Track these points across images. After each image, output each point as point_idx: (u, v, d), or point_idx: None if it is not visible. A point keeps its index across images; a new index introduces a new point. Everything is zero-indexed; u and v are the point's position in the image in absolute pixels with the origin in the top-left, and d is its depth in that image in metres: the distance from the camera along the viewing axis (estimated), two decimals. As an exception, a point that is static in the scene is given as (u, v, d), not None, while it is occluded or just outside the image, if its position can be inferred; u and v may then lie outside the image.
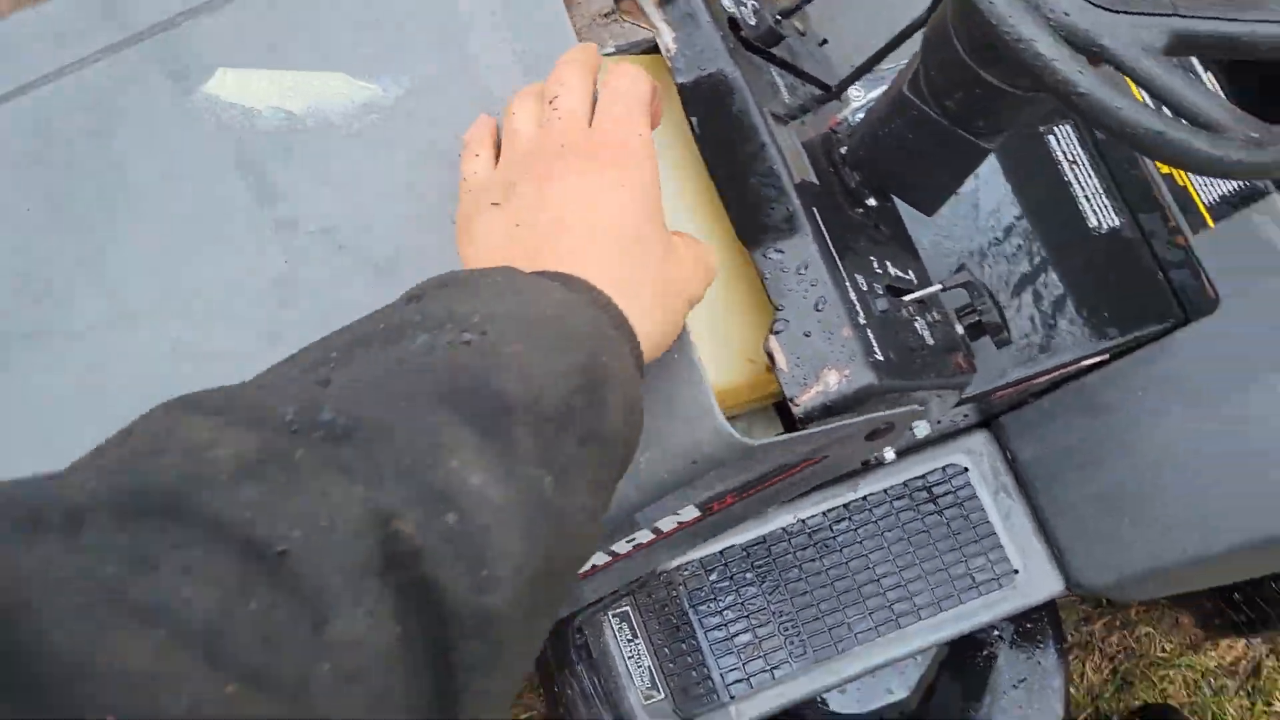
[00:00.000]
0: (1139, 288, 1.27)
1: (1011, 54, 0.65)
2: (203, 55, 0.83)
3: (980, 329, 1.12)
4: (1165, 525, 1.27)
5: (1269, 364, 1.17)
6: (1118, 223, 1.30)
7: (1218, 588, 1.60)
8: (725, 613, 1.36)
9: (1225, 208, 1.23)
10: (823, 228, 0.90)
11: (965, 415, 1.38)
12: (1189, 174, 1.26)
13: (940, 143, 0.95)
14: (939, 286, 1.05)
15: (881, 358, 0.87)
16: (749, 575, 1.38)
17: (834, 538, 1.41)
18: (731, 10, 0.90)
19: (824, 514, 1.41)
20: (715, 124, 0.85)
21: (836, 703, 1.51)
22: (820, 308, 0.86)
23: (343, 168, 0.77)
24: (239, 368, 0.51)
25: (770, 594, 1.36)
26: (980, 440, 1.46)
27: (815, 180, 0.95)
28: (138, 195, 0.81)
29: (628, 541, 0.92)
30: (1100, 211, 1.31)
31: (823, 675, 1.34)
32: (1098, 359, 1.27)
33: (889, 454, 1.19)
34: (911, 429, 1.11)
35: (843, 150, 1.03)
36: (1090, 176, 1.32)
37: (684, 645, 1.32)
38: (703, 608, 1.35)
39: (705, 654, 1.33)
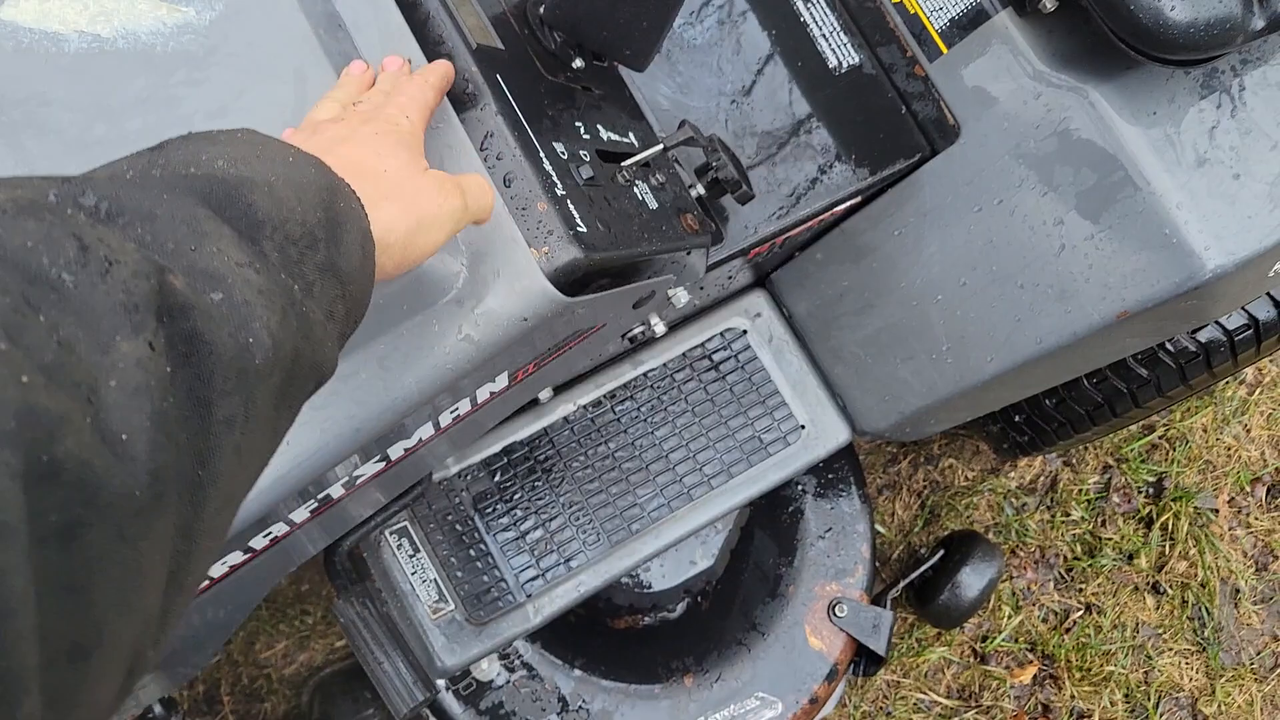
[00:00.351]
0: (885, 125, 1.25)
1: None
2: None
3: (720, 187, 1.08)
4: (933, 360, 1.28)
5: (1007, 185, 1.16)
6: (857, 60, 1.26)
7: (1002, 412, 1.64)
8: (514, 512, 1.31)
9: (955, 32, 1.21)
10: (509, 95, 0.83)
11: (732, 277, 1.35)
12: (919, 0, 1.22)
13: None
14: (659, 147, 0.99)
15: (585, 229, 0.81)
16: (534, 470, 1.33)
17: (617, 419, 1.37)
18: None
19: (605, 397, 1.37)
20: None
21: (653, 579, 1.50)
22: (509, 183, 0.79)
23: (161, 89, 0.78)
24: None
25: (557, 486, 1.32)
26: (757, 300, 1.44)
27: (500, 45, 0.87)
28: None
29: (450, 414, 0.89)
30: (839, 49, 1.26)
31: (620, 559, 1.32)
32: (852, 201, 1.25)
33: (658, 326, 1.15)
34: (670, 298, 1.06)
35: (540, 11, 0.95)
36: (827, 14, 1.28)
37: (471, 552, 1.27)
38: (488, 510, 1.30)
39: (495, 556, 1.28)
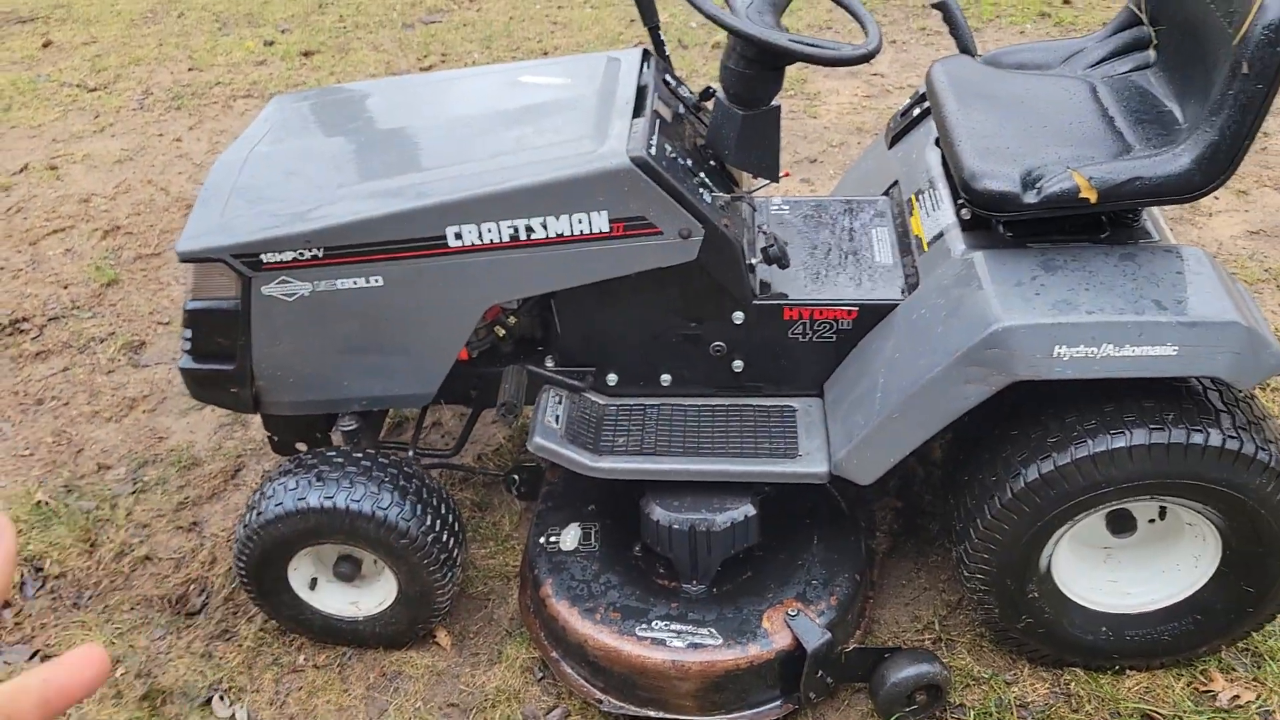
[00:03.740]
0: (882, 283, 2.22)
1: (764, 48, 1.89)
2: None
3: (768, 254, 2.15)
4: (865, 409, 2.08)
5: (923, 325, 2.04)
6: (891, 260, 2.28)
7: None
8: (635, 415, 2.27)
9: (937, 241, 2.18)
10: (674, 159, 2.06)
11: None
12: (919, 221, 2.23)
13: (748, 123, 2.09)
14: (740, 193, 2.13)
15: (654, 154, 1.97)
16: (644, 422, 2.29)
17: (709, 422, 2.29)
18: None
19: (702, 406, 2.32)
20: None
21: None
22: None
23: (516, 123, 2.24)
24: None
25: (670, 429, 2.26)
26: (812, 399, 2.33)
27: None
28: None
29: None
30: (881, 253, 2.30)
31: (671, 464, 2.18)
32: (846, 308, 2.18)
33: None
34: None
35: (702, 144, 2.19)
36: (885, 240, 2.34)
37: (589, 414, 2.25)
38: (612, 414, 2.28)
39: (601, 421, 2.23)
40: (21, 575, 2.67)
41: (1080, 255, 1.98)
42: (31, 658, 2.46)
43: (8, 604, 2.59)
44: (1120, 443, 1.89)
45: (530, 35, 5.90)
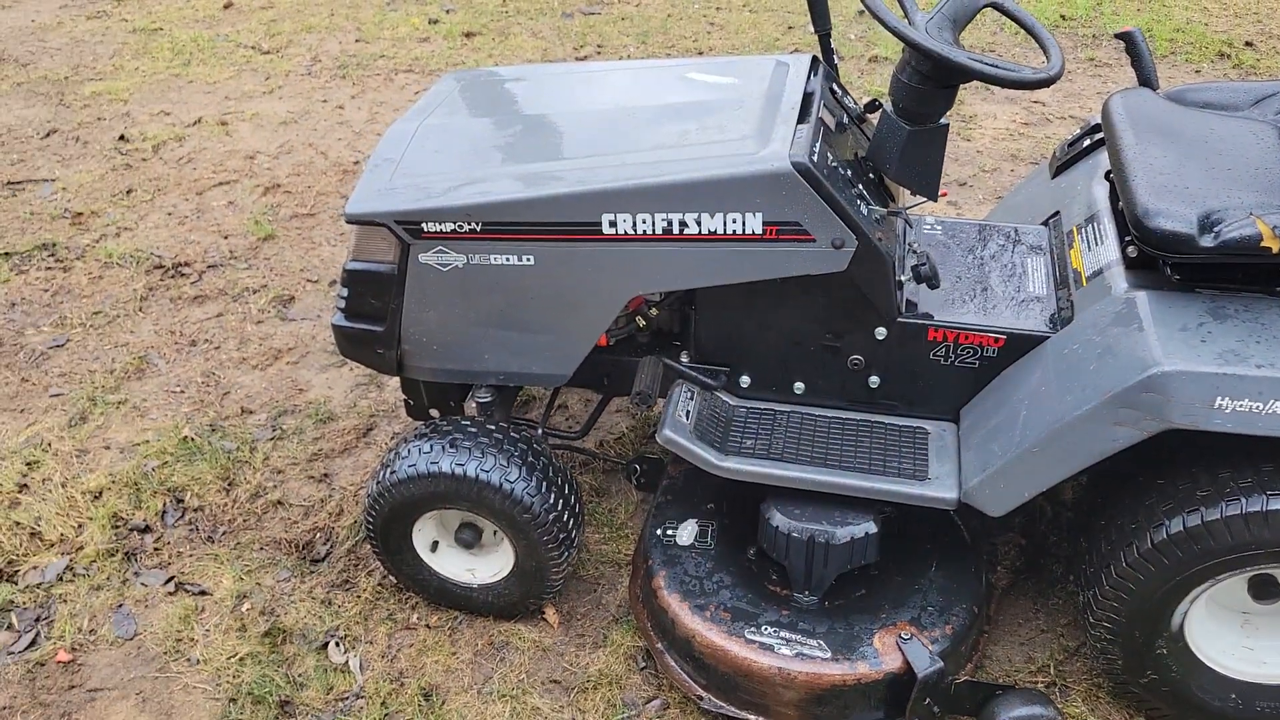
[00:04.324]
0: (1035, 314, 2.17)
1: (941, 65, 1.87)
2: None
3: (918, 272, 2.13)
4: (1003, 439, 2.03)
5: (1074, 360, 1.98)
6: (1044, 292, 2.23)
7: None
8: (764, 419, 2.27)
9: (1097, 276, 2.11)
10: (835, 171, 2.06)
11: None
12: (1079, 255, 2.17)
13: (914, 138, 2.07)
14: (896, 208, 2.11)
15: (815, 161, 1.96)
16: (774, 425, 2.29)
17: (839, 435, 2.27)
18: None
19: (833, 418, 2.30)
20: None
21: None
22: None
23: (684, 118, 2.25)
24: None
25: (799, 437, 2.25)
26: (946, 424, 2.28)
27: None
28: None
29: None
30: (1038, 284, 2.25)
31: (797, 472, 2.17)
32: (993, 335, 2.14)
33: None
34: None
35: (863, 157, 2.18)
36: (1040, 270, 2.28)
37: (719, 413, 2.25)
38: (743, 415, 2.28)
39: (730, 422, 2.24)
40: (164, 505, 2.82)
41: (1253, 306, 1.90)
42: (167, 582, 2.60)
43: (149, 529, 2.74)
44: (1276, 505, 1.81)
45: (686, 34, 5.93)
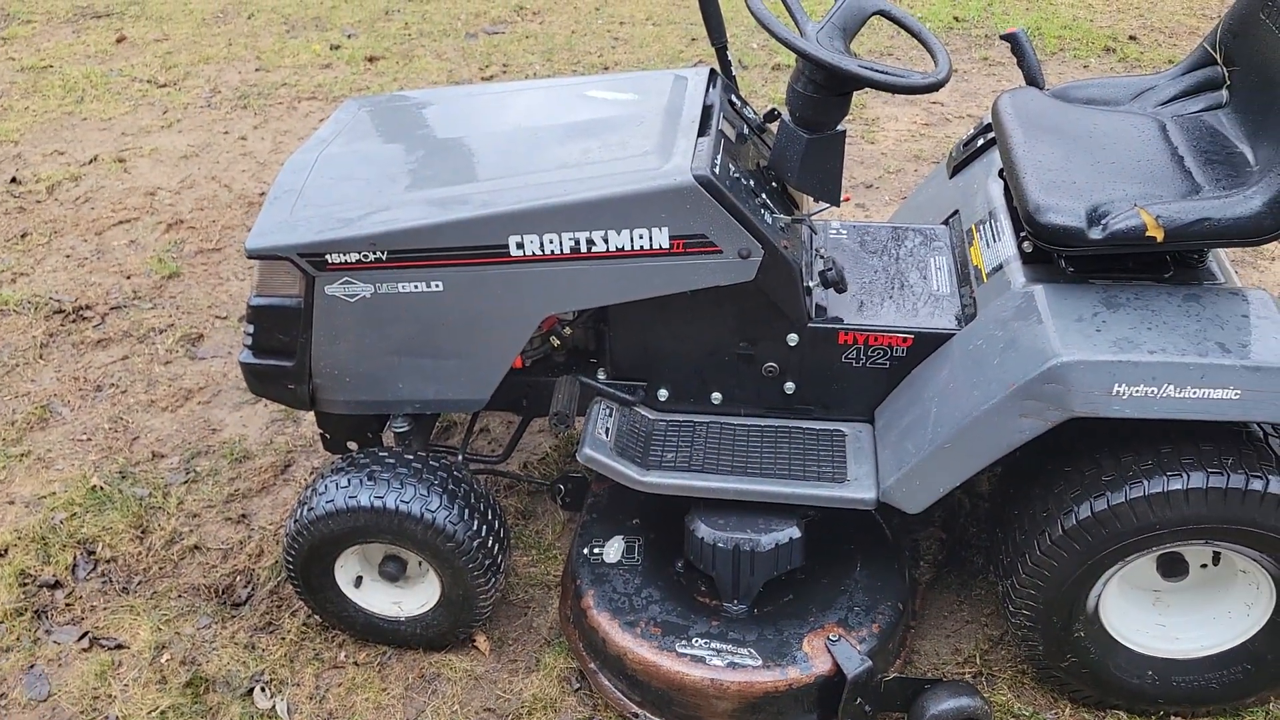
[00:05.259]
0: (944, 311, 2.21)
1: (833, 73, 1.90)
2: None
3: (825, 277, 2.15)
4: (916, 438, 2.07)
5: (979, 356, 2.03)
6: (949, 289, 2.27)
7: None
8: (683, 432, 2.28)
9: (996, 272, 2.16)
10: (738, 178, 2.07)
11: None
12: (979, 252, 2.22)
13: (813, 146, 2.09)
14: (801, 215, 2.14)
15: (718, 173, 1.98)
16: (693, 435, 2.30)
17: (758, 442, 2.29)
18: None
19: (752, 426, 2.32)
20: None
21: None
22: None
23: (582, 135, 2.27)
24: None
25: (719, 447, 2.26)
26: (862, 425, 2.32)
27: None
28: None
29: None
30: (940, 283, 2.29)
31: (719, 482, 2.18)
32: (902, 335, 2.18)
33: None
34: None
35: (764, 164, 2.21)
36: (944, 272, 2.33)
37: (639, 428, 2.25)
38: (662, 428, 2.28)
39: (650, 436, 2.24)
40: (74, 558, 2.73)
41: (1143, 294, 1.97)
42: (80, 638, 2.51)
43: (59, 584, 2.65)
44: (1176, 485, 1.87)
45: (591, 50, 5.95)
